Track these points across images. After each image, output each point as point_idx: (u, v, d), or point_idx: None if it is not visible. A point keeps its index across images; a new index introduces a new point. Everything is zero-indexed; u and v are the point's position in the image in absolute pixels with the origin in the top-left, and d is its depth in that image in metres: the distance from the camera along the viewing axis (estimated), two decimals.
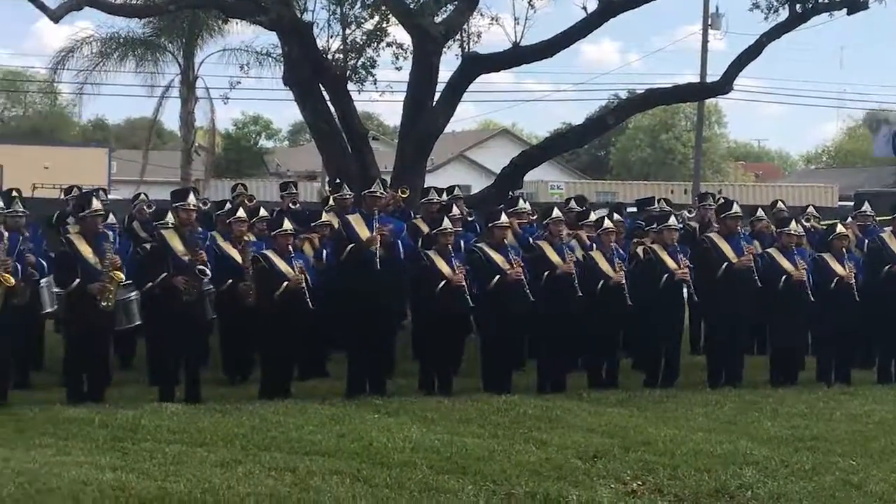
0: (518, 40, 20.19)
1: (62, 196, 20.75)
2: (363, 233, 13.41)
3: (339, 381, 13.81)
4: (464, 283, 13.21)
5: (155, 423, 11.09)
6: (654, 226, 14.69)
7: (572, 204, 16.21)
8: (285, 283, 12.82)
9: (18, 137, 64.68)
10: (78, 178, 24.73)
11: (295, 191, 17.90)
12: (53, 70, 39.00)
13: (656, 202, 17.75)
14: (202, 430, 10.92)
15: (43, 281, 13.24)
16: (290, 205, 16.84)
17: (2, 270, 11.75)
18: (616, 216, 15.42)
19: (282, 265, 12.96)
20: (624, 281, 13.82)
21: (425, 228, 14.90)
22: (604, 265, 13.99)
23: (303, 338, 13.32)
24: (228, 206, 15.80)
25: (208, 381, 13.35)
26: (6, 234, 12.08)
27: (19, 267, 12.01)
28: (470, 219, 15.97)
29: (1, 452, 9.75)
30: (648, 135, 74.02)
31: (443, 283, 13.21)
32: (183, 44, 37.32)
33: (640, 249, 14.57)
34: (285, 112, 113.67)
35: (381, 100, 23.58)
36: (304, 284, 12.82)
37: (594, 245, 14.40)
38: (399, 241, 13.49)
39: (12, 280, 11.78)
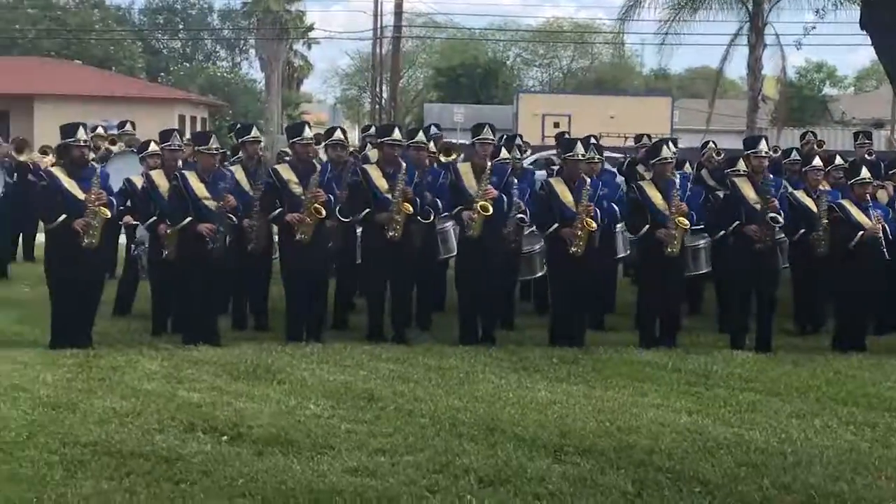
0: None
1: (631, 143, 21.29)
2: None
3: None
4: None
5: (726, 371, 11.17)
6: None
7: None
8: (860, 233, 12.47)
9: (585, 88, 67.09)
10: (642, 127, 25.15)
11: (869, 141, 17.22)
12: (621, 21, 40.05)
13: None
14: (775, 379, 10.85)
15: (618, 227, 13.59)
16: (866, 155, 16.21)
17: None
18: None
19: (858, 215, 12.61)
20: None
21: None
22: None
23: (879, 289, 12.80)
24: (795, 154, 15.52)
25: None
26: (588, 180, 12.42)
27: (598, 212, 12.34)
28: None
29: (581, 389, 10.18)
30: None
31: None
32: None
33: None
34: (850, 58, 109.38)
35: None
36: (881, 234, 12.43)
37: None
38: None
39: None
